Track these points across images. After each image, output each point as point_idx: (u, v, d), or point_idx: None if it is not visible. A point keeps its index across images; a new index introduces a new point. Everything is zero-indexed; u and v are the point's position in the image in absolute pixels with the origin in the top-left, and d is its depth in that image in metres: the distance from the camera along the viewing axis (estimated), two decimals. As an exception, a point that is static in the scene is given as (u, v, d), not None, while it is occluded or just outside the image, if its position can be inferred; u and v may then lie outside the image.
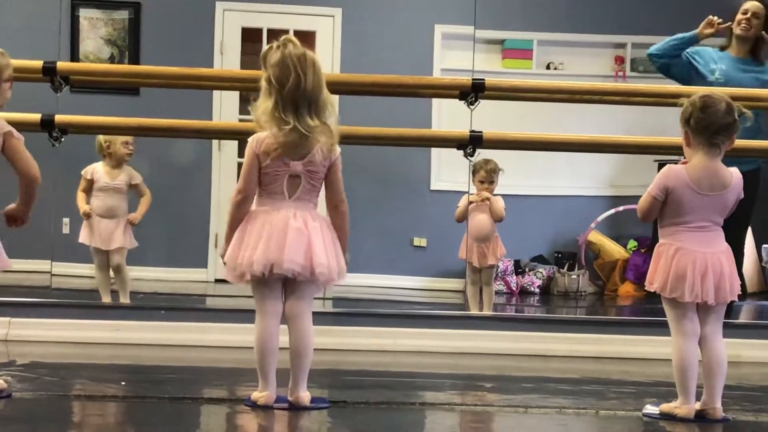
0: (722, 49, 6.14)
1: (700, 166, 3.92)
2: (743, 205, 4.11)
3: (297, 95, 3.78)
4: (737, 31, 6.07)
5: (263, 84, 3.85)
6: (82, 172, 6.36)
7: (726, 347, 3.97)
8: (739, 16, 6.08)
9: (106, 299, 6.27)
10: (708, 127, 3.89)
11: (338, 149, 3.90)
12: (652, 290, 4.00)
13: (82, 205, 6.33)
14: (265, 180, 3.85)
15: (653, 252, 4.08)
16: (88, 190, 6.37)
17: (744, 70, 6.02)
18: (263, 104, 3.82)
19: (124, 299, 6.32)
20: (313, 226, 3.81)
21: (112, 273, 6.40)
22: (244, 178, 3.88)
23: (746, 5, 6.10)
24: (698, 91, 4.20)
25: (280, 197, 3.84)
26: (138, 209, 6.42)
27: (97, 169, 6.36)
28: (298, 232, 3.77)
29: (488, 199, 6.47)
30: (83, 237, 6.35)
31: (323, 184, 3.92)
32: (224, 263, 3.89)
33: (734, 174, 3.96)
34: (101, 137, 6.31)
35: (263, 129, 3.83)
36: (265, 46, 3.97)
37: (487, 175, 6.49)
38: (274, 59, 3.83)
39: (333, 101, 3.90)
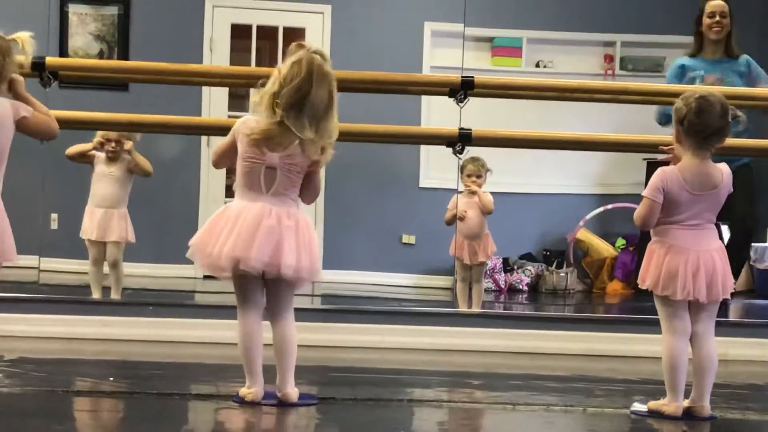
0: (693, 55, 6.13)
1: (690, 166, 3.91)
2: (741, 202, 4.09)
3: (297, 98, 3.74)
4: (711, 36, 6.05)
5: (275, 72, 3.82)
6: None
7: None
8: (708, 21, 6.05)
9: (97, 295, 6.25)
10: (701, 131, 3.88)
11: (327, 157, 3.88)
12: (644, 288, 3.99)
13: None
14: (243, 169, 3.83)
15: (645, 249, 4.06)
16: (85, 152, 6.32)
17: (721, 69, 6.03)
18: (269, 90, 3.79)
19: (116, 296, 6.30)
20: (287, 225, 3.79)
21: (106, 268, 6.38)
22: (217, 150, 3.97)
23: (711, 7, 6.07)
24: (686, 89, 4.21)
25: (257, 190, 3.82)
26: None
27: (99, 155, 6.34)
28: (270, 230, 3.75)
29: (475, 193, 6.48)
30: (84, 232, 6.31)
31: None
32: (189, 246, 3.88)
33: (724, 171, 3.96)
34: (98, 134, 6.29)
35: (257, 110, 3.82)
36: (292, 44, 3.94)
37: (475, 169, 6.49)
38: (296, 56, 3.81)
39: (336, 128, 3.83)
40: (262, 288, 3.89)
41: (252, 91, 3.92)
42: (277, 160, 3.80)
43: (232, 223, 3.78)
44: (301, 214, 3.89)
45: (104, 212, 6.28)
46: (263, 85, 3.84)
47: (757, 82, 6.02)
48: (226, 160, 3.95)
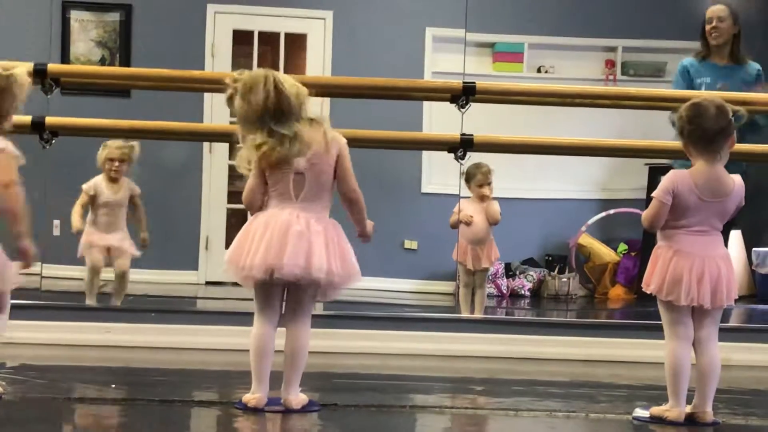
0: (704, 57, 6.11)
1: (703, 171, 3.90)
2: None
3: (262, 115, 3.75)
4: (711, 41, 6.04)
5: (237, 120, 3.85)
6: (84, 187, 6.31)
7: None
8: (707, 27, 6.04)
9: (92, 301, 6.25)
10: (702, 136, 3.88)
11: (341, 139, 3.89)
12: (649, 292, 3.98)
13: (76, 221, 6.29)
14: (272, 180, 3.86)
15: (648, 254, 4.06)
16: (87, 206, 6.34)
17: (728, 76, 6.02)
18: (246, 142, 3.82)
19: (118, 302, 6.30)
20: (315, 230, 3.80)
21: (111, 274, 6.40)
22: (249, 191, 3.92)
23: (709, 13, 6.06)
24: (689, 95, 4.21)
25: (287, 198, 3.84)
26: (141, 227, 6.46)
27: (99, 184, 6.32)
28: (299, 236, 3.77)
29: (487, 197, 6.48)
30: (84, 249, 6.31)
31: (335, 181, 3.93)
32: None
33: (736, 181, 3.95)
34: (100, 155, 6.31)
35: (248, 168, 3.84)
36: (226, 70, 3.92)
37: (483, 178, 6.51)
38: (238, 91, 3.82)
39: (303, 100, 3.83)
40: (282, 295, 3.89)
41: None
42: (304, 163, 3.81)
43: (261, 231, 3.79)
44: (330, 220, 3.90)
45: (111, 236, 6.31)
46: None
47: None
48: (258, 194, 3.91)
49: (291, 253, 3.74)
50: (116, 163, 6.30)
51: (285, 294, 3.91)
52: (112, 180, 6.33)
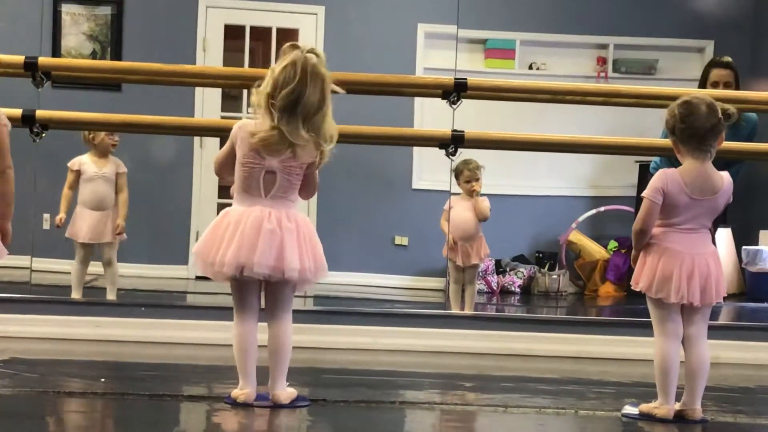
0: None
1: (692, 170, 3.91)
2: None
3: (290, 100, 3.74)
4: None
5: (269, 72, 3.82)
6: (69, 164, 6.32)
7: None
8: (710, 90, 5.65)
9: (77, 295, 6.24)
10: (693, 134, 3.88)
11: (324, 159, 3.87)
12: (638, 290, 3.99)
13: (63, 206, 6.29)
14: (242, 174, 3.83)
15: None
16: (75, 185, 6.32)
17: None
18: (264, 91, 3.79)
19: (112, 295, 6.30)
20: (287, 227, 3.79)
21: (101, 268, 6.38)
22: (218, 159, 3.94)
23: (715, 76, 5.79)
24: (680, 93, 4.22)
25: (256, 194, 3.83)
26: (119, 213, 6.36)
27: (84, 160, 6.33)
28: (271, 234, 3.76)
29: (475, 193, 6.48)
30: (71, 232, 6.30)
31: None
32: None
33: (725, 178, 3.96)
34: (97, 134, 6.30)
35: (256, 111, 3.82)
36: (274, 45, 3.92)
37: (471, 174, 6.51)
38: (289, 58, 3.80)
39: (332, 128, 3.83)
40: (259, 291, 3.89)
41: (249, 91, 3.91)
42: (276, 164, 3.80)
43: (232, 229, 3.78)
44: (300, 215, 3.89)
45: (99, 215, 6.29)
46: (259, 85, 3.83)
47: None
48: (228, 167, 3.91)
49: (262, 252, 3.73)
50: (116, 137, 6.33)
51: (264, 289, 3.90)
52: (100, 155, 6.32)
